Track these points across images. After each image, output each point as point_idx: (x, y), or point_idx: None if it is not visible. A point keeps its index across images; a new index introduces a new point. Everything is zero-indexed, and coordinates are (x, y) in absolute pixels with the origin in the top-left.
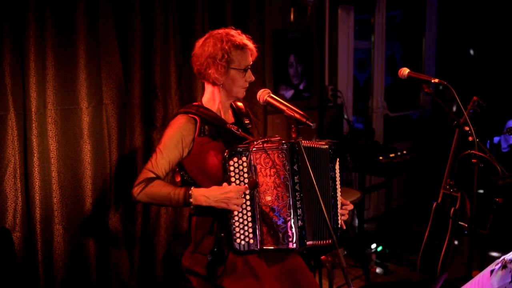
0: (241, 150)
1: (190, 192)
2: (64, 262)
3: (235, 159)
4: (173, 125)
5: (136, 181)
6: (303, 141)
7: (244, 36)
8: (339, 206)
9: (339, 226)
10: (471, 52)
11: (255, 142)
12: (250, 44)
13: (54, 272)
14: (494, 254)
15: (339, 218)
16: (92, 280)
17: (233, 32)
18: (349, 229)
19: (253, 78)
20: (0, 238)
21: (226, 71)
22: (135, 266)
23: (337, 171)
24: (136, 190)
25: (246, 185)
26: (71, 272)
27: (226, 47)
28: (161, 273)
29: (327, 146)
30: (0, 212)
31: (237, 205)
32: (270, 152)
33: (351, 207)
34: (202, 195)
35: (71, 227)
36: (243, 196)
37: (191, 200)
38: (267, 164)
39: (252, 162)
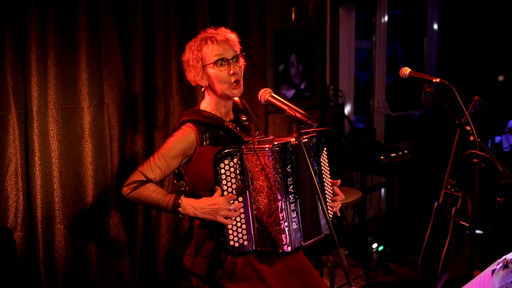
0: (232, 151)
1: (179, 201)
2: (65, 261)
3: (226, 161)
4: (178, 135)
5: (127, 180)
6: (277, 138)
7: (221, 29)
8: (328, 198)
9: (330, 218)
10: (467, 48)
11: (247, 144)
12: (221, 35)
13: (55, 272)
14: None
15: (328, 210)
16: (94, 280)
17: (209, 30)
18: (350, 229)
19: (235, 70)
20: (1, 237)
21: (201, 71)
22: (136, 266)
23: (324, 161)
24: (126, 190)
25: (235, 191)
26: (72, 272)
27: (194, 47)
28: (162, 272)
29: (306, 140)
30: (1, 211)
31: (226, 217)
32: (261, 154)
33: (342, 197)
34: (190, 206)
35: (72, 226)
36: (232, 209)
37: (179, 209)
38: (258, 166)
39: (244, 164)
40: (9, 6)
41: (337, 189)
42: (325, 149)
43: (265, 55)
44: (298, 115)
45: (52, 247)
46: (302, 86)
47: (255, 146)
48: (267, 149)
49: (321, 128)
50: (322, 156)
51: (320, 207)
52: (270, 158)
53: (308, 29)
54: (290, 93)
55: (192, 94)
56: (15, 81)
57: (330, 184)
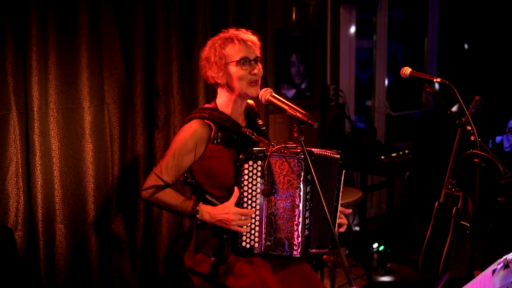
0: (257, 153)
1: (197, 208)
2: (66, 261)
3: (251, 163)
4: (187, 131)
5: (144, 184)
6: (315, 149)
7: (243, 31)
8: (338, 216)
9: (336, 234)
10: (468, 48)
11: (272, 147)
12: (246, 36)
13: (56, 272)
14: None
15: (336, 227)
16: (94, 279)
17: (231, 30)
18: (351, 229)
19: (256, 71)
20: (2, 237)
21: (223, 68)
22: (137, 265)
23: (341, 182)
24: (145, 194)
25: (259, 193)
26: (73, 271)
27: (217, 44)
28: (163, 272)
29: (338, 156)
30: (2, 211)
31: (239, 226)
32: (286, 159)
33: (345, 221)
34: (207, 213)
35: (73, 226)
36: (244, 219)
37: (197, 216)
38: (282, 171)
39: (267, 167)
40: (10, 6)
41: (342, 215)
42: (343, 171)
43: (265, 54)
44: (299, 115)
45: (53, 247)
46: (303, 86)
47: (282, 151)
48: (293, 155)
49: (341, 151)
50: (343, 175)
51: (331, 222)
52: (297, 165)
53: (308, 28)
54: (291, 93)
55: (192, 94)
56: (16, 80)
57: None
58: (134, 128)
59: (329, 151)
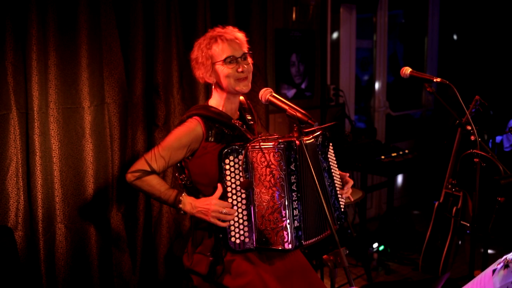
0: (237, 148)
1: (180, 197)
2: (66, 261)
3: (231, 158)
4: (183, 128)
5: (132, 167)
6: (281, 137)
7: (229, 28)
8: (338, 191)
9: (342, 209)
10: (468, 47)
11: (253, 141)
12: (231, 35)
13: (56, 271)
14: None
15: (340, 202)
16: (94, 279)
17: (217, 29)
18: (351, 228)
19: (242, 68)
20: (2, 237)
21: (210, 68)
22: (137, 265)
23: (331, 156)
24: (130, 177)
25: (239, 186)
26: (73, 271)
27: (203, 45)
28: (163, 272)
29: (313, 140)
30: (2, 211)
31: (218, 219)
32: (266, 151)
33: (351, 182)
34: (189, 203)
35: (73, 226)
36: (225, 212)
37: (180, 205)
38: (262, 163)
39: (249, 161)
40: (10, 5)
41: (347, 178)
42: (330, 144)
43: (265, 54)
44: (298, 114)
45: (53, 247)
46: (303, 86)
47: (260, 143)
48: (272, 146)
49: (324, 125)
50: (329, 152)
51: (325, 205)
52: (276, 155)
53: (308, 28)
54: (291, 92)
55: (193, 94)
56: (16, 80)
57: (339, 176)
58: (134, 128)
59: (305, 137)
